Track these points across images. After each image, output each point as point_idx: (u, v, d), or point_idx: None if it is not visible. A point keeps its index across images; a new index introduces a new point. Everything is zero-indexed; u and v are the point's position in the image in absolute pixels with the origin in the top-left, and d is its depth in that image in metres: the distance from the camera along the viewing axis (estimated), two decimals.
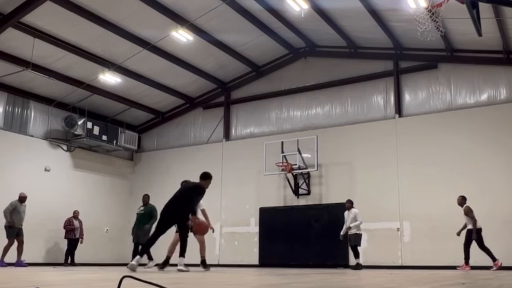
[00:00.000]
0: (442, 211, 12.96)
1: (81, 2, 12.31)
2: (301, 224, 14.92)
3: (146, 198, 13.51)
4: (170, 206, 8.80)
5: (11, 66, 13.76)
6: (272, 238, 15.21)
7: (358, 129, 14.86)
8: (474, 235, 11.30)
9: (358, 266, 11.93)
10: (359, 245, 12.28)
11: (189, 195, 8.84)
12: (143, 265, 12.58)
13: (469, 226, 11.46)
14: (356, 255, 12.06)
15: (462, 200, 11.72)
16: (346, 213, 12.46)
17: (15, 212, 13.07)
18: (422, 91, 14.44)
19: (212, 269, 10.10)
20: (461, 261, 11.54)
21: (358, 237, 12.22)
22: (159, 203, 14.68)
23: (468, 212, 11.47)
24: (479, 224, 11.44)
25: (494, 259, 11.23)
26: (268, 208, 15.65)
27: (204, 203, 9.94)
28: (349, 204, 12.45)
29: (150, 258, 12.62)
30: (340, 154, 14.87)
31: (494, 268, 11.08)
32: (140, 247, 12.74)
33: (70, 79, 15.30)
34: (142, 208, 13.29)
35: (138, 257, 8.34)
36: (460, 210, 11.70)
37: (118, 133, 17.32)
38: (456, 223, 12.64)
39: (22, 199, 13.30)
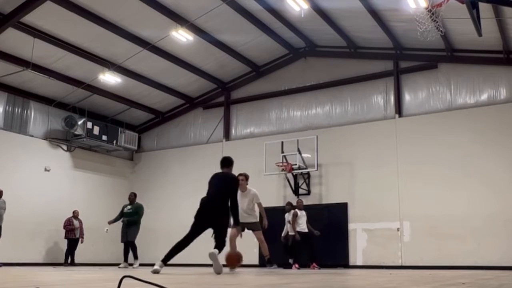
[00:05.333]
0: (442, 211, 12.96)
1: (81, 2, 12.32)
2: None
3: (132, 196, 13.38)
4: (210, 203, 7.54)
5: (11, 66, 13.76)
6: (272, 238, 15.16)
7: (358, 129, 14.85)
8: (290, 241, 12.42)
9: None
10: None
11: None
12: (130, 265, 12.64)
13: (291, 232, 12.38)
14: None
15: (291, 207, 12.59)
16: (287, 215, 12.94)
17: None
18: (422, 91, 14.44)
19: (211, 269, 10.07)
20: (460, 261, 11.58)
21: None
22: (159, 203, 14.78)
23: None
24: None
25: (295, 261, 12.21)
26: (268, 208, 15.57)
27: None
28: (289, 207, 13.02)
29: (136, 257, 12.78)
30: (340, 154, 14.86)
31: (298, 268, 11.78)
32: (129, 246, 12.87)
33: (70, 79, 15.30)
34: (129, 207, 13.15)
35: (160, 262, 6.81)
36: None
37: (118, 133, 17.32)
38: (456, 223, 12.65)
39: None
